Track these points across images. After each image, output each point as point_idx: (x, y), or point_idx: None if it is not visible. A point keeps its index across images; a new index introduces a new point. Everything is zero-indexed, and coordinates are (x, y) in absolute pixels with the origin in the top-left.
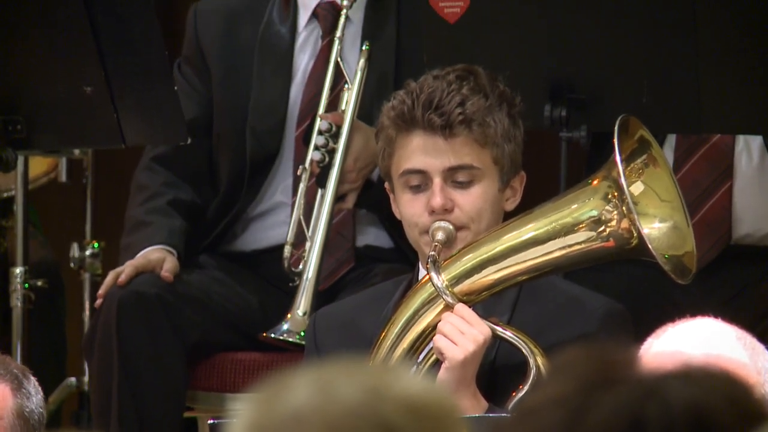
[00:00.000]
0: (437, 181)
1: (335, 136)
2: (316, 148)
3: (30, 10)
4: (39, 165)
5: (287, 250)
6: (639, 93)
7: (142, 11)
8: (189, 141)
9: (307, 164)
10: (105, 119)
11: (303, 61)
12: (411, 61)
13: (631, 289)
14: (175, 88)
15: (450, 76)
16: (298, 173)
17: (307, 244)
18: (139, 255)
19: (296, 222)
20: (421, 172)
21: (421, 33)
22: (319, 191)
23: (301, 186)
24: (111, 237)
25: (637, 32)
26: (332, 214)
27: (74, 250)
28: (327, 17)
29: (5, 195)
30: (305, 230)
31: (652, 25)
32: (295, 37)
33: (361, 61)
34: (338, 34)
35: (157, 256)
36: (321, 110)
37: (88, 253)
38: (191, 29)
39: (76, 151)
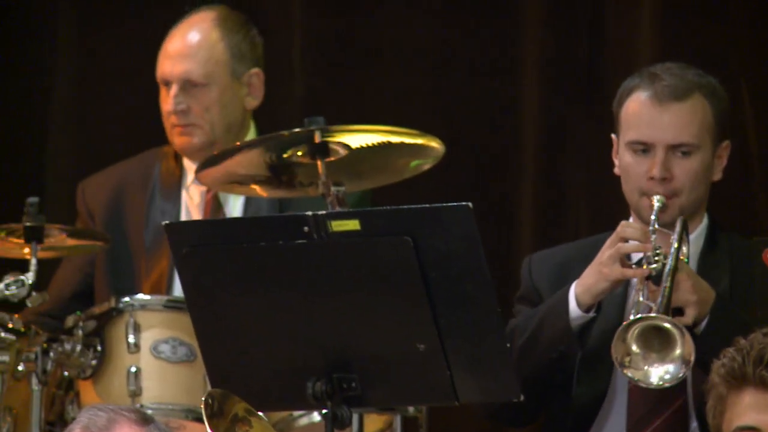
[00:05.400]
0: None
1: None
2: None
3: (363, 269)
4: (374, 422)
5: None
6: None
7: (475, 268)
8: (521, 398)
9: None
10: (438, 376)
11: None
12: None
13: None
14: (508, 345)
15: None
16: None
17: None
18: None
19: None
20: (756, 430)
21: (754, 288)
22: None
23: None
24: None
25: None
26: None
27: None
28: None
29: None
30: None
31: None
32: (628, 290)
33: (677, 228)
34: None
35: None
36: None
37: None
38: (526, 275)
39: (411, 409)
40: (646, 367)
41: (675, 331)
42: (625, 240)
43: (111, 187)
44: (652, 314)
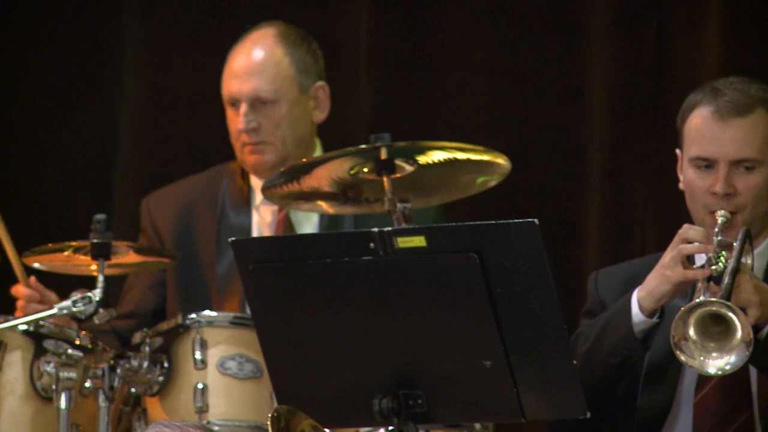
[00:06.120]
0: None
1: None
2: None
3: (429, 286)
4: None
5: None
6: None
7: (541, 285)
8: (588, 415)
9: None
10: (504, 393)
11: None
12: None
13: None
14: (574, 361)
15: None
16: None
17: None
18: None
19: None
20: None
21: None
22: None
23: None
24: None
25: None
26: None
27: None
28: None
29: None
30: None
31: None
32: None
33: (740, 236)
34: None
35: None
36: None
37: None
38: (593, 288)
39: (477, 425)
40: (702, 357)
41: (734, 317)
42: (688, 242)
43: (178, 204)
44: (713, 299)
